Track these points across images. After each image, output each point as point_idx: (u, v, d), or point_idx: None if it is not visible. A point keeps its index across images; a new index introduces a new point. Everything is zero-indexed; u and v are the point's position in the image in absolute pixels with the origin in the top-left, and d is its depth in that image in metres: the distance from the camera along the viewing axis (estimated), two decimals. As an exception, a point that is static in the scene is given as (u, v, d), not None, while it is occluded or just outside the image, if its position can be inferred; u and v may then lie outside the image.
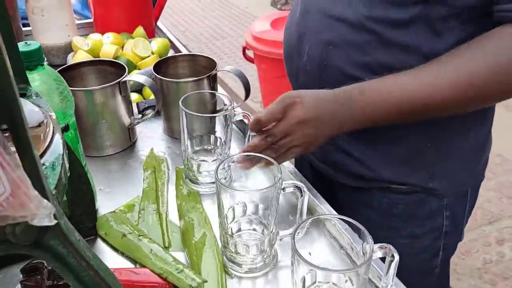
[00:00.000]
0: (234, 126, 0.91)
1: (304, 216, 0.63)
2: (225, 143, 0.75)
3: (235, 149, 0.83)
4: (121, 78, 0.81)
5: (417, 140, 0.75)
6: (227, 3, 5.16)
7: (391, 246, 0.51)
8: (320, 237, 0.68)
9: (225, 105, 0.76)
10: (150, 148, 0.87)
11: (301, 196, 0.61)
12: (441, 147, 0.76)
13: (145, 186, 0.77)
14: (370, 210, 0.82)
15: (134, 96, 1.01)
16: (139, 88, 1.05)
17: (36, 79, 0.59)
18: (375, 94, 0.66)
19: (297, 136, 0.66)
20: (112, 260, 0.64)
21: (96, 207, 0.71)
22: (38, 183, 0.33)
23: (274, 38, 2.30)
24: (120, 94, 0.82)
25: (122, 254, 0.65)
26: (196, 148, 0.76)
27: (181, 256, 0.64)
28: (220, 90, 0.94)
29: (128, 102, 0.85)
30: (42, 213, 0.31)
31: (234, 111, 0.75)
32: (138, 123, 0.88)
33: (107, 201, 0.74)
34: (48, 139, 0.43)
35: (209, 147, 0.76)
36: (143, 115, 0.89)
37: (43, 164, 0.40)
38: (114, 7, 1.18)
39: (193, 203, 0.73)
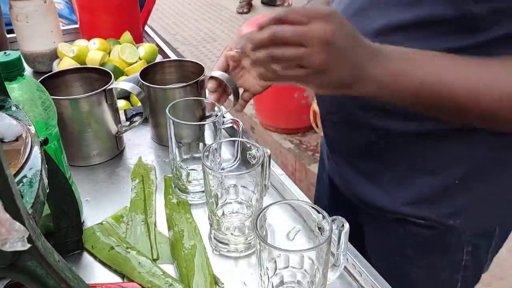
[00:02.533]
0: (224, 132, 0.90)
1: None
2: (216, 150, 0.73)
3: (225, 156, 0.81)
4: (107, 86, 0.79)
5: (446, 175, 0.69)
6: (218, 6, 5.14)
7: (340, 217, 0.51)
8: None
9: (214, 111, 0.75)
10: (138, 156, 0.86)
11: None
12: (470, 185, 0.69)
13: (133, 196, 0.75)
14: (385, 236, 0.80)
15: (122, 103, 0.99)
16: (126, 95, 1.04)
17: (16, 90, 0.57)
18: (406, 58, 0.57)
19: (314, 51, 0.52)
20: (99, 274, 0.62)
21: (82, 220, 0.69)
22: (12, 204, 0.31)
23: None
24: (106, 102, 0.80)
25: (110, 267, 0.63)
26: (185, 156, 0.74)
27: (170, 268, 0.62)
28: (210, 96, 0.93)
29: (114, 110, 0.83)
30: (15, 236, 0.29)
31: (223, 117, 0.74)
32: (125, 131, 0.86)
33: (94, 212, 0.72)
34: (26, 154, 0.41)
35: (198, 155, 0.75)
36: (130, 123, 0.88)
37: (20, 181, 0.38)
38: (100, 12, 1.16)
39: (182, 213, 0.71)
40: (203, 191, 0.73)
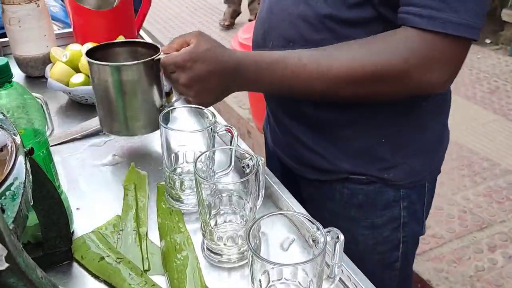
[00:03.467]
0: (218, 139, 0.88)
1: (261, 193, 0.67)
2: (209, 158, 0.72)
3: (219, 163, 0.80)
4: (155, 56, 0.76)
5: (372, 135, 0.81)
6: (214, 9, 5.14)
7: (335, 229, 0.52)
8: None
9: (207, 118, 0.73)
10: (130, 163, 0.84)
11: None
12: (395, 142, 0.81)
13: (125, 204, 0.73)
14: (332, 202, 0.88)
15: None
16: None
17: (4, 97, 0.56)
18: (260, 67, 0.72)
19: (183, 74, 0.72)
20: (89, 285, 0.61)
21: (72, 229, 0.68)
22: (-10, 220, 0.30)
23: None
24: (154, 73, 0.78)
25: (100, 279, 0.61)
26: (177, 165, 0.73)
27: (161, 280, 0.61)
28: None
29: (160, 83, 0.80)
30: (-8, 256, 0.27)
31: (217, 124, 0.72)
32: (170, 105, 0.83)
33: (85, 221, 0.70)
34: (10, 165, 0.39)
35: (191, 164, 0.73)
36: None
37: (2, 195, 0.36)
38: (94, 16, 1.14)
39: (175, 222, 0.69)
40: (196, 200, 0.71)
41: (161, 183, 0.78)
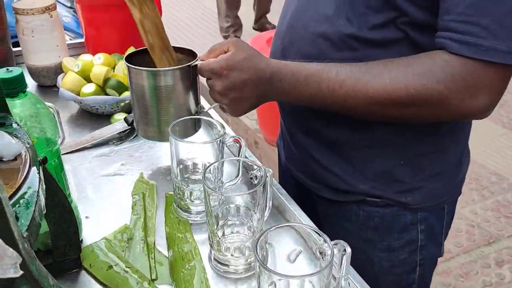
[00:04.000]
0: (226, 149, 0.89)
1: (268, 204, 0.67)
2: (217, 169, 0.73)
3: (227, 173, 0.80)
4: (192, 62, 0.77)
5: (391, 157, 0.79)
6: (223, 20, 5.17)
7: (342, 241, 0.52)
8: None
9: (216, 129, 0.74)
10: (139, 172, 0.85)
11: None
12: (414, 165, 0.79)
13: (133, 213, 0.74)
14: (348, 222, 0.85)
15: (122, 116, 0.99)
16: (129, 110, 1.04)
17: (18, 106, 0.57)
18: (296, 77, 0.71)
19: (219, 81, 0.72)
20: (97, 293, 0.61)
21: (81, 237, 0.68)
22: (6, 228, 0.31)
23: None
24: (190, 78, 0.78)
25: (107, 287, 0.62)
26: (186, 175, 0.73)
27: (169, 289, 0.61)
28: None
29: (196, 89, 0.81)
30: (7, 263, 0.28)
31: (226, 135, 0.73)
32: (208, 109, 0.85)
33: (94, 230, 0.71)
34: (24, 174, 0.40)
35: (200, 175, 0.74)
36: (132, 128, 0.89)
37: (17, 203, 0.37)
38: (106, 27, 1.16)
39: (182, 232, 0.70)
40: (204, 211, 0.72)
41: (170, 193, 0.78)
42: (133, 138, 0.96)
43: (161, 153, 0.92)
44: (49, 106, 0.81)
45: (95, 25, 1.17)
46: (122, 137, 0.96)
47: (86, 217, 0.74)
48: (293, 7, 0.80)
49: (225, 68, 0.71)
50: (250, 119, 2.97)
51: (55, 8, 1.10)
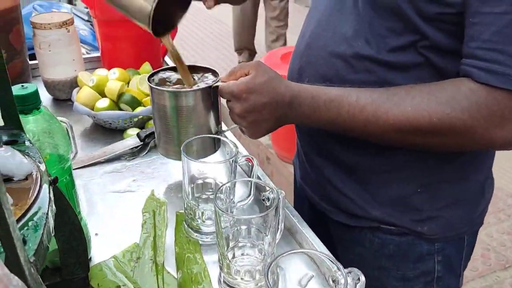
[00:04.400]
0: (238, 167, 0.88)
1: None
2: (229, 188, 0.72)
3: (239, 192, 0.79)
4: (214, 82, 0.77)
5: (410, 184, 0.76)
6: (238, 35, 5.20)
7: (356, 269, 0.51)
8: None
9: (229, 148, 0.73)
10: (150, 189, 0.84)
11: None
12: (432, 192, 0.76)
13: (143, 232, 0.73)
14: (362, 248, 0.83)
15: (135, 131, 0.99)
16: (142, 125, 1.04)
17: (31, 122, 0.56)
18: (316, 101, 0.70)
19: (238, 104, 0.71)
20: (103, 314, 0.60)
21: (89, 255, 0.67)
22: (12, 254, 0.30)
23: (284, 73, 2.28)
24: (211, 99, 0.78)
25: (115, 308, 0.61)
26: (197, 195, 0.72)
27: (176, 312, 0.60)
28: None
29: (217, 109, 0.81)
30: (12, 292, 0.27)
31: (238, 153, 0.72)
32: (226, 130, 0.85)
33: (103, 248, 0.70)
34: (34, 195, 0.40)
35: (211, 194, 0.73)
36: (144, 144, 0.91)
37: (25, 225, 0.37)
38: (121, 42, 1.17)
39: (192, 253, 0.69)
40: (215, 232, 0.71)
41: (180, 211, 0.77)
42: (145, 154, 0.96)
43: (173, 170, 0.91)
44: (62, 121, 0.82)
45: (111, 40, 1.18)
46: (134, 153, 0.96)
47: (96, 234, 0.73)
48: (312, 27, 0.79)
49: (244, 91, 0.70)
50: (263, 134, 2.96)
51: (72, 22, 1.11)
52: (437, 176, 0.76)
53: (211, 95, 0.78)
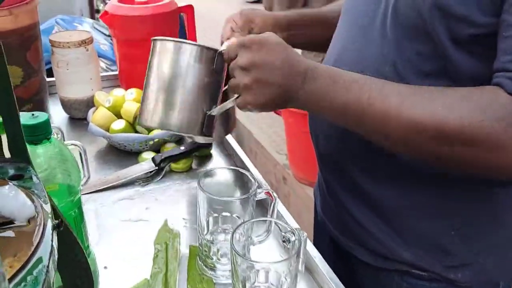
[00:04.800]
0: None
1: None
2: (247, 227, 0.67)
3: (257, 230, 0.75)
4: (220, 49, 0.68)
5: (440, 225, 0.71)
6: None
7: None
8: None
9: (248, 182, 0.69)
10: (163, 218, 0.80)
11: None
12: (467, 235, 0.71)
13: (154, 267, 0.69)
14: None
15: (150, 155, 0.96)
16: (158, 148, 1.01)
17: (40, 153, 0.53)
18: (332, 81, 0.62)
19: (237, 80, 0.64)
20: None
21: (97, 292, 0.64)
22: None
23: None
24: (213, 66, 0.68)
25: None
26: (213, 228, 0.68)
27: None
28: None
29: (217, 86, 0.71)
30: None
31: (257, 187, 0.68)
32: (218, 112, 0.70)
33: (112, 283, 0.67)
34: (35, 245, 0.36)
35: (227, 227, 0.69)
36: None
37: (23, 280, 0.33)
38: (140, 62, 1.13)
39: (205, 292, 0.65)
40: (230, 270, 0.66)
41: (195, 245, 0.73)
42: (160, 179, 0.93)
43: (188, 198, 0.88)
44: (75, 145, 0.79)
45: (130, 60, 1.16)
46: (148, 178, 0.93)
47: (105, 267, 0.70)
48: (338, 48, 0.75)
49: (256, 42, 0.62)
50: (280, 153, 2.92)
51: (91, 41, 1.10)
52: (469, 217, 0.70)
53: (214, 64, 0.68)
